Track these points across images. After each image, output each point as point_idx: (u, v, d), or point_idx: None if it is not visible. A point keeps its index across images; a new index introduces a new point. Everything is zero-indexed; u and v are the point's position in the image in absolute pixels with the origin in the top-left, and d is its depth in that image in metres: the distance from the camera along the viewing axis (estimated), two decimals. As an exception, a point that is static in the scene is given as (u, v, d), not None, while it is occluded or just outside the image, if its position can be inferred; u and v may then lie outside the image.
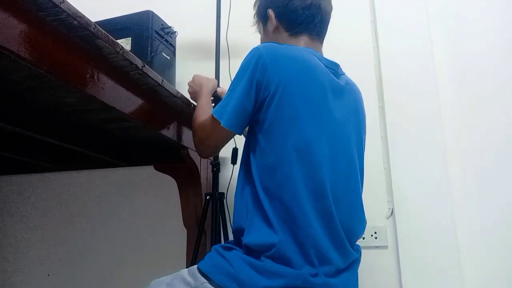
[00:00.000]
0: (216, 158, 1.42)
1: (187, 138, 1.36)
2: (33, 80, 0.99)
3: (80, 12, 0.80)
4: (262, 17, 1.13)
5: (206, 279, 0.87)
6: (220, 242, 1.33)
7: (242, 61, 0.97)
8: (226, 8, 1.55)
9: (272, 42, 1.03)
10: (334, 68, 1.05)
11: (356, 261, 1.00)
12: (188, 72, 1.75)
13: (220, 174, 1.43)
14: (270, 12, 1.09)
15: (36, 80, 0.99)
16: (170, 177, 1.56)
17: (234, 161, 1.36)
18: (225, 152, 1.49)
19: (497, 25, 1.55)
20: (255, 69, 0.92)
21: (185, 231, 1.51)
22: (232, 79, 0.98)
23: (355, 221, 1.00)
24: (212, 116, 0.98)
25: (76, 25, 0.80)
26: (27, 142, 1.47)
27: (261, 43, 1.11)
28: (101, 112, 1.22)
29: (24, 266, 1.88)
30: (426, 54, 1.55)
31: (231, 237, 1.37)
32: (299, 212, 0.87)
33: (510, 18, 1.54)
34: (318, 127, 0.92)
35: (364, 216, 1.04)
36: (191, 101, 1.29)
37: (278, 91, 0.90)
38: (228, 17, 1.52)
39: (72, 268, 1.81)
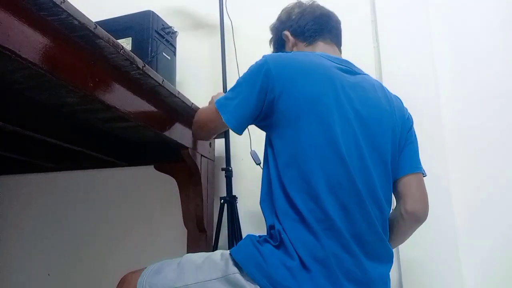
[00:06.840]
0: (228, 164, 1.50)
1: (188, 138, 1.36)
2: (34, 79, 0.99)
3: (80, 12, 0.80)
4: (280, 41, 1.21)
5: (238, 269, 0.87)
6: (233, 245, 1.36)
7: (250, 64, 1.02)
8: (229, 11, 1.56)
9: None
10: (346, 65, 1.06)
11: None
12: (188, 73, 1.77)
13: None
14: (286, 33, 1.18)
15: (36, 79, 0.99)
16: (171, 176, 1.56)
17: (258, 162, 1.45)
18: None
19: (498, 24, 1.55)
20: (259, 74, 0.96)
21: (185, 231, 1.51)
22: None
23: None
24: (215, 106, 1.04)
25: (76, 25, 0.80)
26: (27, 142, 1.47)
27: None
28: (101, 112, 1.22)
29: (24, 266, 1.88)
30: (426, 54, 1.55)
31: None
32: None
33: (510, 16, 1.54)
34: (323, 125, 0.93)
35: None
36: (192, 101, 1.30)
37: (283, 93, 0.94)
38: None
39: (72, 268, 1.81)
